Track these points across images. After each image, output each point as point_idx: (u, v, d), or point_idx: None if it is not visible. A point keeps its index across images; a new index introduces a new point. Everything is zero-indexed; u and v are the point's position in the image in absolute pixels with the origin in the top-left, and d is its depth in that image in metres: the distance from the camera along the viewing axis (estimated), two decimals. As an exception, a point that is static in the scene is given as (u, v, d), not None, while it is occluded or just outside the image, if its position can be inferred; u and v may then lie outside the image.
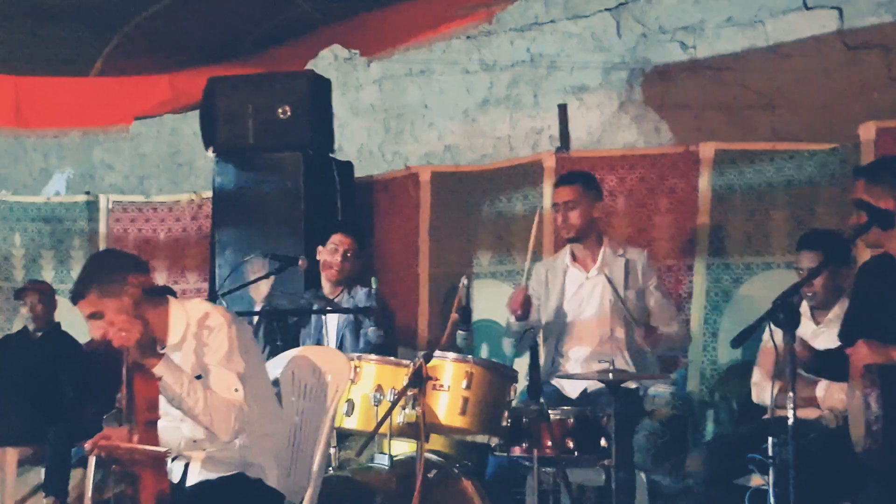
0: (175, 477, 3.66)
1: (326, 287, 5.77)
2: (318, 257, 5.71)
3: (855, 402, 3.57)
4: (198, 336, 3.59)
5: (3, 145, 9.52)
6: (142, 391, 3.36)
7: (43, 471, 6.23)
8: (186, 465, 3.73)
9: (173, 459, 3.69)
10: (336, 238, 5.73)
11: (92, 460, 5.83)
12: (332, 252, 5.69)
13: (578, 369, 4.91)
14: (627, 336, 4.96)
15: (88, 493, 5.91)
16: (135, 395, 3.35)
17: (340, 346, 5.55)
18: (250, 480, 3.66)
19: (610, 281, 4.85)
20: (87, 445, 3.58)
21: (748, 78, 6.74)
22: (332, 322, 5.67)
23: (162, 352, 3.58)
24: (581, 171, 5.38)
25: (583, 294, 5.06)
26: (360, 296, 5.66)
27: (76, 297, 3.62)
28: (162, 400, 3.48)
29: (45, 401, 6.41)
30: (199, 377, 3.53)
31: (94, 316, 3.59)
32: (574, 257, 5.12)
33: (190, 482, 3.69)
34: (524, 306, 4.88)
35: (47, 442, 6.15)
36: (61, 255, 8.00)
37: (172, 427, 3.66)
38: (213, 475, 3.67)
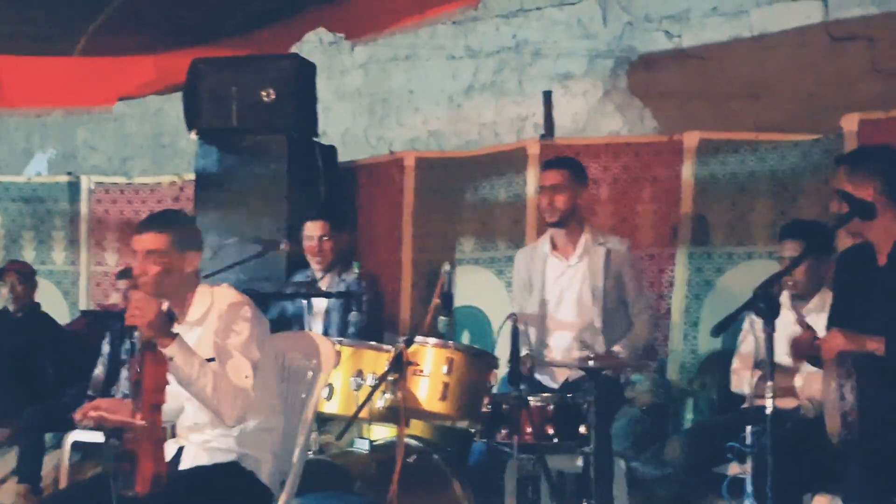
0: (167, 457, 3.65)
1: (316, 273, 5.77)
2: (286, 247, 5.72)
3: (830, 393, 3.59)
4: (221, 318, 3.64)
5: (-15, 124, 9.47)
6: (151, 372, 3.35)
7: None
8: (180, 449, 3.73)
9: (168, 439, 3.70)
10: (308, 226, 5.75)
11: (68, 442, 5.87)
12: (308, 240, 5.71)
13: (559, 357, 4.91)
14: (605, 324, 4.95)
15: (64, 474, 5.95)
16: (144, 375, 3.34)
17: (326, 330, 5.55)
18: (244, 472, 3.67)
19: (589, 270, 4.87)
20: (77, 415, 3.59)
21: (733, 68, 6.76)
22: (319, 306, 5.67)
23: (178, 328, 3.61)
24: (570, 157, 5.36)
25: (563, 283, 5.04)
26: (351, 280, 5.67)
27: (149, 228, 3.69)
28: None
29: (24, 382, 6.39)
30: (211, 360, 3.55)
31: (151, 252, 3.64)
32: (554, 245, 5.11)
33: (183, 466, 3.69)
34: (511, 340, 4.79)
35: (20, 427, 6.12)
36: (42, 236, 7.96)
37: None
38: (207, 461, 3.68)
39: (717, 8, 6.81)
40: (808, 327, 3.90)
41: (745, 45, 6.74)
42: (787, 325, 4.35)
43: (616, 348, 4.88)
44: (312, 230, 5.73)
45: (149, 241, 3.67)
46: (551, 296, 5.05)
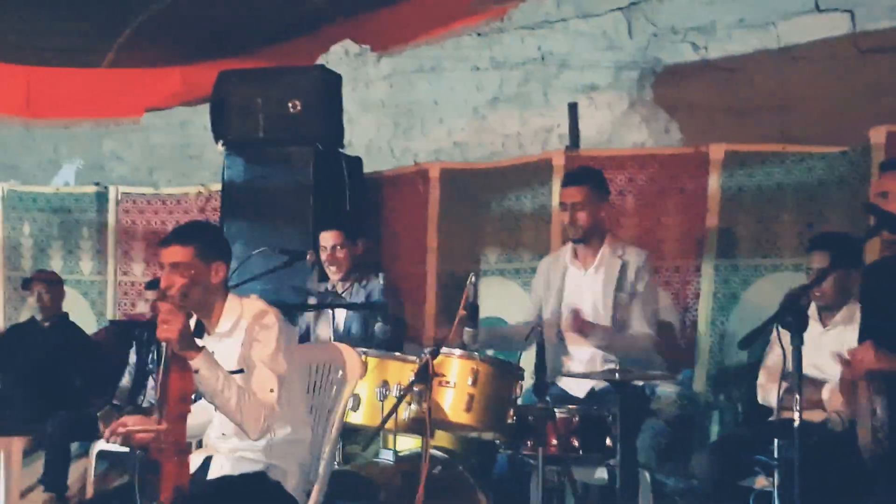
0: (193, 467, 3.67)
1: (335, 282, 5.79)
2: (310, 258, 5.75)
3: (861, 408, 3.57)
4: (249, 330, 3.66)
5: (14, 135, 9.54)
6: (177, 383, 3.37)
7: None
8: (208, 458, 3.75)
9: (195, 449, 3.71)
10: (322, 237, 5.79)
11: (94, 452, 5.90)
12: (322, 251, 5.74)
13: (583, 369, 4.90)
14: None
15: (90, 483, 5.97)
16: (169, 385, 3.36)
17: (345, 339, 5.56)
18: (270, 482, 3.67)
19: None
20: (105, 434, 3.61)
21: (759, 79, 6.74)
22: (340, 315, 5.69)
23: (206, 339, 3.64)
24: (589, 169, 5.30)
25: (580, 292, 5.04)
26: (373, 289, 5.68)
27: (174, 240, 3.72)
28: None
29: (51, 391, 6.42)
30: (238, 371, 3.57)
31: (176, 265, 3.66)
32: (575, 255, 5.11)
33: (211, 475, 3.71)
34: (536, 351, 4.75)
35: (46, 436, 6.15)
36: (70, 246, 8.02)
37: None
38: (234, 471, 3.69)
39: (743, 19, 6.79)
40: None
41: (772, 57, 6.71)
42: (814, 338, 4.34)
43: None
44: (326, 240, 5.77)
45: (174, 253, 3.69)
46: (569, 305, 5.04)
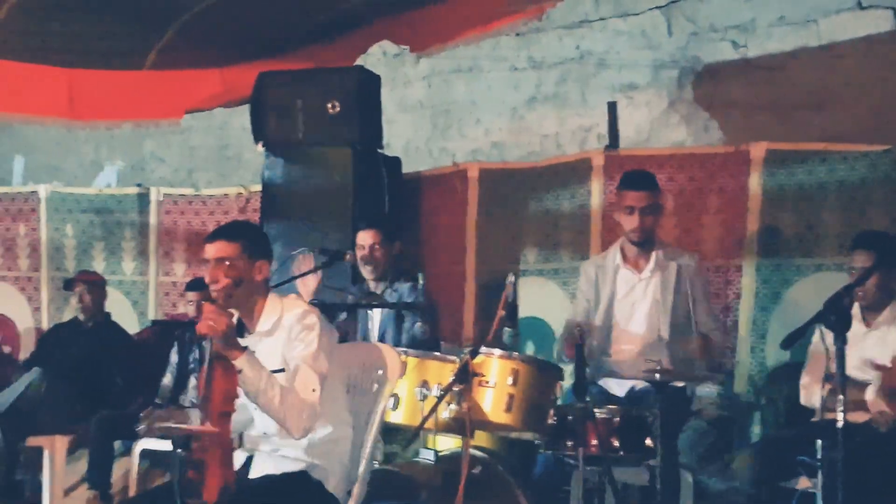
0: (236, 466, 3.69)
1: (371, 281, 5.80)
2: (348, 258, 5.76)
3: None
4: (291, 330, 3.67)
5: (56, 137, 9.66)
6: (220, 383, 3.40)
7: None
8: (250, 458, 3.78)
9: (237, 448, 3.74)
10: (360, 236, 5.77)
11: (137, 450, 5.96)
12: (360, 250, 5.73)
13: (625, 369, 4.89)
14: (672, 338, 4.93)
15: (133, 482, 6.03)
16: (213, 385, 3.39)
17: (381, 340, 5.58)
18: (312, 481, 3.70)
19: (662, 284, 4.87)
20: (143, 425, 3.65)
21: (800, 77, 6.69)
22: (376, 316, 5.70)
23: (247, 338, 3.67)
24: (651, 173, 5.26)
25: (635, 296, 5.04)
26: (404, 290, 5.68)
27: (220, 236, 3.76)
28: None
29: (94, 390, 6.48)
30: (279, 371, 3.59)
31: (220, 260, 3.69)
32: (625, 258, 5.09)
33: (253, 474, 3.73)
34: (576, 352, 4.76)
35: (89, 434, 6.21)
36: (112, 247, 8.09)
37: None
38: (276, 470, 3.71)
39: (784, 17, 6.74)
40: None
41: (813, 55, 6.66)
42: (857, 338, 4.30)
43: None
44: (365, 239, 5.76)
45: (220, 248, 3.72)
46: (621, 308, 5.03)
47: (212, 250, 3.74)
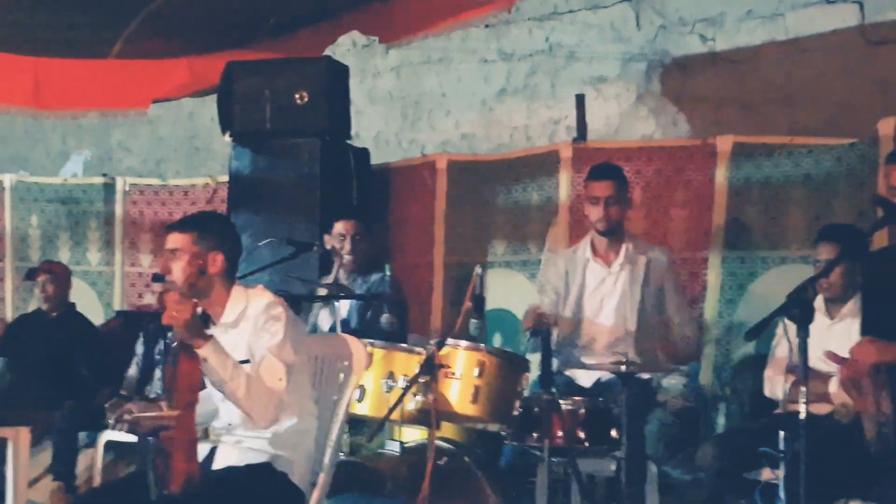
0: (200, 457, 3.68)
1: (341, 272, 5.78)
2: (326, 246, 5.73)
3: (866, 403, 3.56)
4: (256, 321, 3.66)
5: (22, 126, 9.58)
6: (185, 372, 3.39)
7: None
8: (213, 449, 3.76)
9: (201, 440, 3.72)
10: (339, 226, 5.74)
11: (101, 442, 5.92)
12: (340, 240, 5.70)
13: (593, 361, 4.90)
14: (640, 331, 4.95)
15: (98, 473, 6.00)
16: (178, 375, 3.37)
17: (345, 329, 5.56)
18: (276, 473, 3.68)
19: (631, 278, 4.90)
20: (112, 419, 3.63)
21: (767, 72, 6.72)
22: (344, 307, 5.68)
23: (212, 329, 3.65)
24: (617, 166, 5.31)
25: (604, 289, 5.05)
26: (374, 281, 5.68)
27: (174, 228, 3.77)
28: None
29: (59, 381, 6.44)
30: (245, 361, 3.58)
31: (173, 251, 3.70)
32: (595, 251, 5.11)
33: (216, 466, 3.72)
34: (537, 321, 4.79)
35: (54, 425, 6.17)
36: (77, 237, 8.04)
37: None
38: (240, 462, 3.70)
39: (751, 11, 6.77)
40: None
41: (780, 49, 6.70)
42: (821, 330, 4.33)
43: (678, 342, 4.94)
44: (345, 230, 5.74)
45: (173, 240, 3.73)
46: (591, 301, 5.05)
47: (167, 241, 3.75)
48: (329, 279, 5.76)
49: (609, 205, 4.98)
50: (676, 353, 4.99)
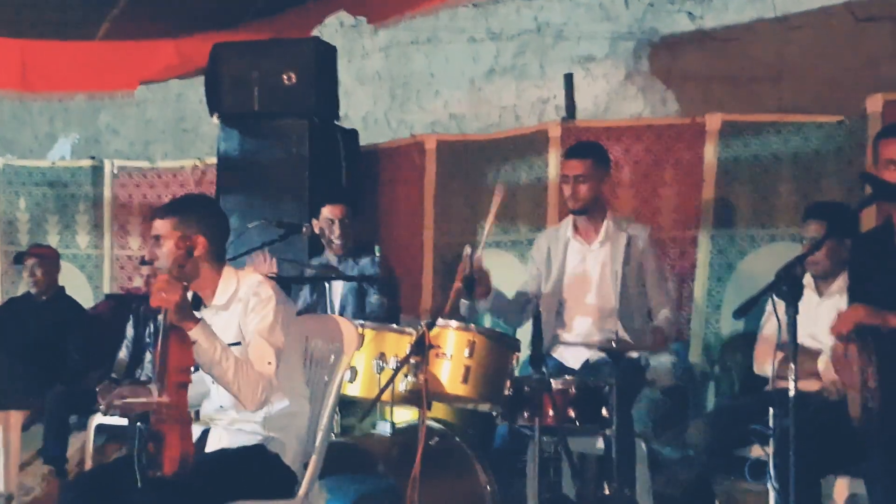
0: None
1: (331, 254, 5.78)
2: (315, 230, 5.72)
3: (852, 378, 3.58)
4: (246, 303, 3.65)
5: (9, 109, 9.53)
6: (175, 354, 3.38)
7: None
8: (206, 431, 3.76)
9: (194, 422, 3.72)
10: (327, 210, 5.74)
11: (92, 425, 5.92)
12: (328, 225, 5.70)
13: (580, 341, 4.91)
14: (623, 308, 4.94)
15: (89, 456, 6.00)
16: (168, 356, 3.37)
17: (342, 312, 5.57)
18: (268, 454, 3.69)
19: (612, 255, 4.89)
20: (104, 404, 3.62)
21: (755, 49, 6.71)
22: (337, 289, 5.69)
23: (203, 312, 3.65)
24: (593, 143, 5.30)
25: (585, 267, 5.04)
26: (365, 263, 5.68)
27: (156, 214, 3.77)
28: None
29: (49, 364, 6.43)
30: (236, 344, 3.58)
31: (157, 238, 3.70)
32: (576, 229, 5.10)
33: (209, 448, 3.73)
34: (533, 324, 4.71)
35: (45, 408, 6.17)
36: (66, 220, 8.02)
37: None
38: (232, 444, 3.71)
39: (739, -11, 6.77)
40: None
41: (768, 26, 6.69)
42: (809, 307, 4.35)
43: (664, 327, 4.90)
44: (333, 214, 5.74)
45: (155, 226, 3.72)
46: (571, 279, 5.04)
47: (151, 228, 3.76)
48: (316, 262, 5.77)
49: (577, 183, 4.96)
50: (662, 340, 4.95)
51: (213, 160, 7.10)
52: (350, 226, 5.76)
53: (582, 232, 5.08)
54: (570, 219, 5.14)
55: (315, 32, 7.35)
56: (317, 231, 5.73)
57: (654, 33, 7.10)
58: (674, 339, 5.33)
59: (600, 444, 4.53)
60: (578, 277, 5.02)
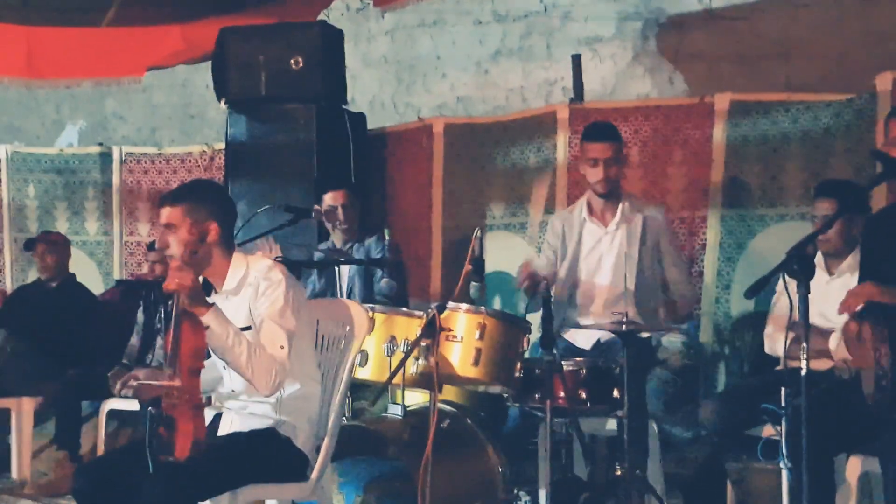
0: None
1: (338, 239, 5.79)
2: (321, 217, 5.74)
3: (865, 357, 3.58)
4: (256, 287, 3.66)
5: (16, 96, 9.53)
6: (188, 339, 3.39)
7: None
8: (218, 415, 3.78)
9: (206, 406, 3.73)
10: (328, 197, 5.76)
11: (104, 411, 5.94)
12: (330, 212, 5.72)
13: (591, 322, 4.91)
14: (639, 290, 4.95)
15: (101, 442, 6.02)
16: (181, 341, 3.37)
17: (349, 295, 5.58)
18: (280, 438, 3.70)
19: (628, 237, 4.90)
20: (117, 385, 3.64)
21: (763, 28, 6.69)
22: (343, 272, 5.70)
23: (214, 297, 3.65)
24: (613, 126, 5.25)
25: (601, 249, 5.02)
26: (371, 246, 5.68)
27: (165, 202, 3.73)
28: None
29: (60, 351, 6.45)
30: (247, 329, 3.59)
31: (168, 226, 3.68)
32: (591, 211, 5.09)
33: (221, 432, 3.74)
34: (531, 280, 4.78)
35: (57, 395, 6.19)
36: (75, 207, 8.02)
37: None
38: (244, 427, 3.71)
39: (746, -33, 6.74)
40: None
41: (776, 5, 6.66)
42: (820, 286, 4.33)
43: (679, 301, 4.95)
44: (333, 200, 5.75)
45: (165, 214, 3.70)
46: (588, 261, 5.04)
47: (161, 216, 3.74)
48: (324, 246, 5.77)
49: (608, 166, 4.95)
50: (675, 312, 5.00)
51: (221, 145, 7.09)
52: (354, 210, 5.76)
53: (597, 214, 5.07)
54: (583, 200, 5.13)
55: (321, 16, 7.35)
56: (316, 214, 5.73)
57: (661, 13, 7.08)
58: (690, 316, 5.33)
59: (611, 425, 4.53)
60: (594, 259, 5.02)
